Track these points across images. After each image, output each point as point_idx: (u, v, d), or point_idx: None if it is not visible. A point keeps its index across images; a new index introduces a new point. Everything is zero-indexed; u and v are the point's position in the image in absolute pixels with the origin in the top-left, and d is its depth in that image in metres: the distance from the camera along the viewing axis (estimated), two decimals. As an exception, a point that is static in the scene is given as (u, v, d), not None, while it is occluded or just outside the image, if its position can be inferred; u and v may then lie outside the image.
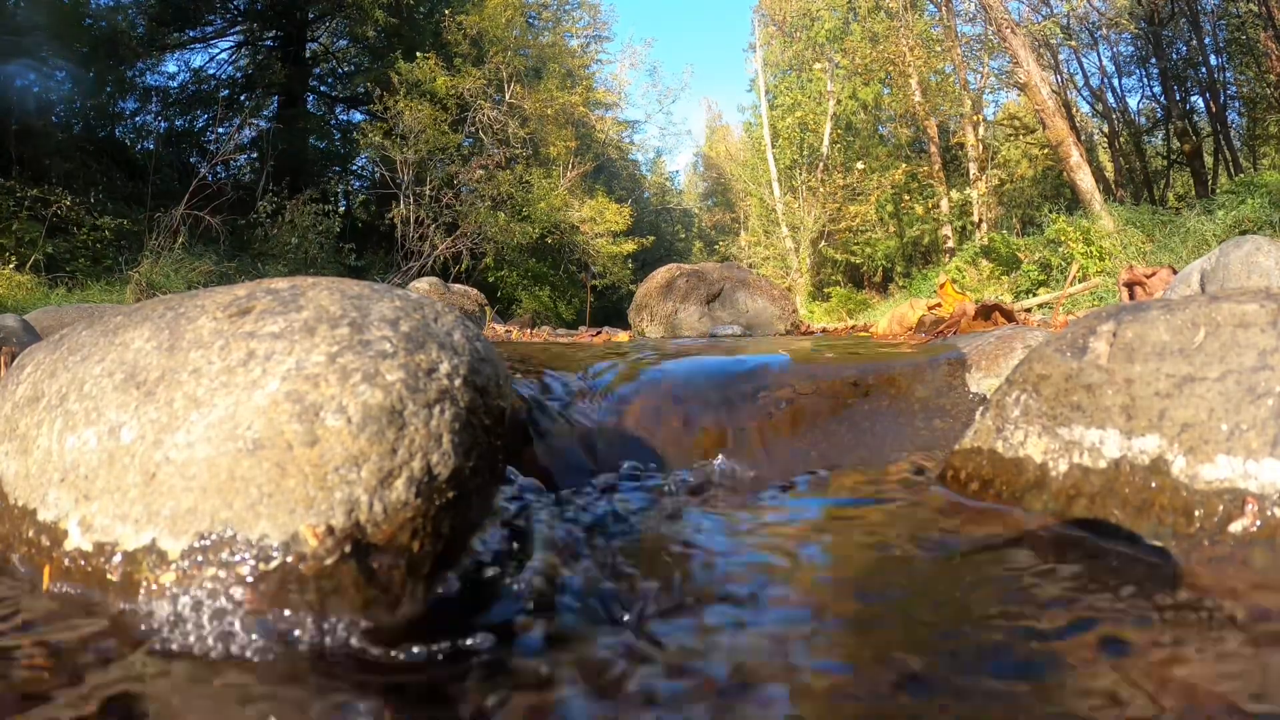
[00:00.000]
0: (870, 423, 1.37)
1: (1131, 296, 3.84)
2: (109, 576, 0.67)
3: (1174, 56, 14.92)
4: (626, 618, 0.67)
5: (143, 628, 0.63)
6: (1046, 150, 14.47)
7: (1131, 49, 15.92)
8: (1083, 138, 15.13)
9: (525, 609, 0.69)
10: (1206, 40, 14.29)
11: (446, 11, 15.12)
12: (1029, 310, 4.52)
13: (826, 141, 17.60)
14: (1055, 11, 14.99)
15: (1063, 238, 9.82)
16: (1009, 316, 2.34)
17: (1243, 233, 6.97)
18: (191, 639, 0.62)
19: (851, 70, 17.08)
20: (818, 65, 17.69)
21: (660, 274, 4.31)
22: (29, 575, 0.72)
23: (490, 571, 0.74)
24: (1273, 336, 0.82)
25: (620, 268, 16.17)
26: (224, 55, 15.29)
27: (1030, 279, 10.26)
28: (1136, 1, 13.75)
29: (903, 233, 16.51)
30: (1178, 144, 15.26)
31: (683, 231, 30.23)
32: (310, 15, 15.21)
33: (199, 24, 14.25)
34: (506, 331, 4.37)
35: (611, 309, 15.26)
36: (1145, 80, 16.34)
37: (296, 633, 0.62)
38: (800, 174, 17.84)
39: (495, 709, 0.54)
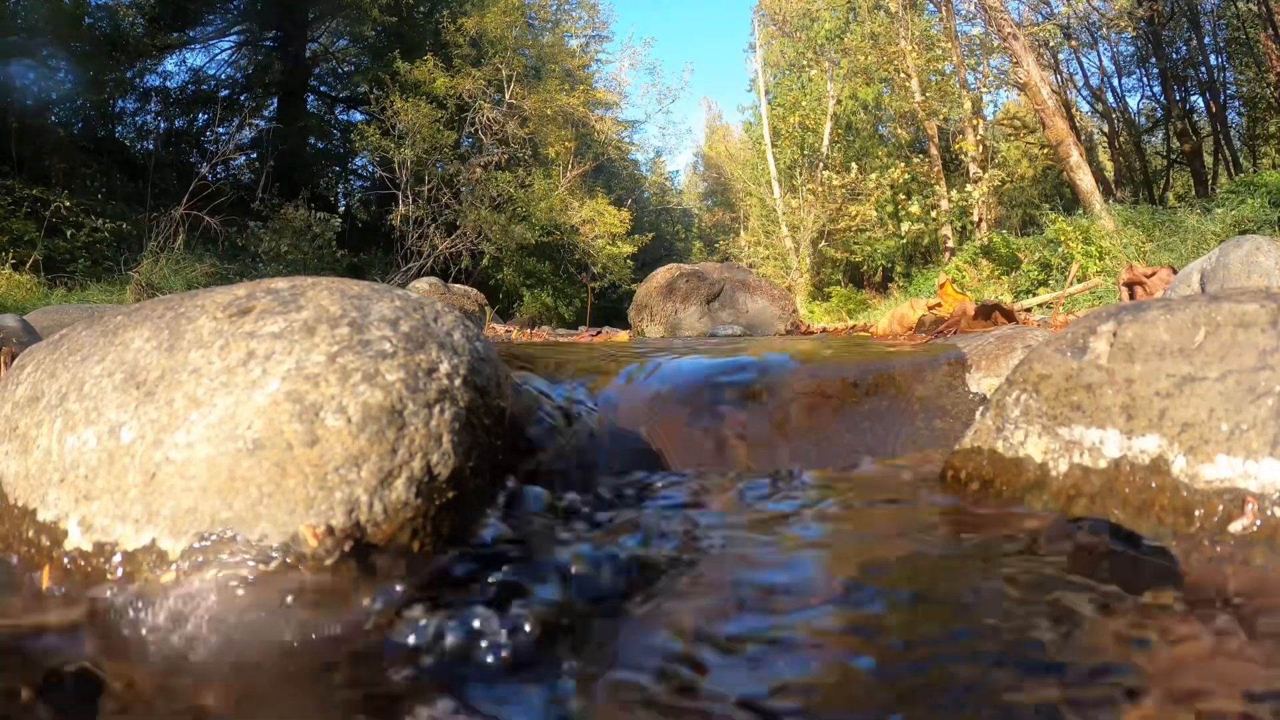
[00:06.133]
0: (870, 422, 1.37)
1: (1131, 296, 3.84)
2: (109, 576, 0.67)
3: (1174, 56, 14.93)
4: (621, 617, 0.67)
5: (142, 628, 0.63)
6: (1046, 150, 14.47)
7: (1131, 49, 15.95)
8: (1083, 138, 15.13)
9: (525, 608, 0.69)
10: (1206, 40, 14.30)
11: (446, 12, 15.12)
12: (1029, 310, 4.52)
13: (826, 141, 17.59)
14: (1055, 12, 15.01)
15: (1062, 238, 9.83)
16: (1009, 316, 2.34)
17: (1243, 232, 6.97)
18: (191, 639, 0.62)
19: (852, 71, 17.08)
20: (814, 70, 17.69)
21: (660, 274, 4.31)
22: (29, 575, 0.72)
23: (491, 570, 0.74)
24: (1273, 336, 0.82)
25: (620, 267, 16.17)
26: (224, 55, 15.30)
27: (1030, 279, 10.27)
28: (1136, 2, 13.75)
29: (900, 232, 16.49)
30: (1178, 144, 15.27)
31: (683, 231, 30.21)
32: (310, 15, 15.21)
33: (199, 24, 14.26)
34: (506, 332, 4.37)
35: (611, 309, 15.25)
36: (1145, 80, 16.38)
37: (296, 633, 0.62)
38: (800, 174, 17.84)
39: (494, 706, 0.54)
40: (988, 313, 2.34)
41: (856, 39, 16.87)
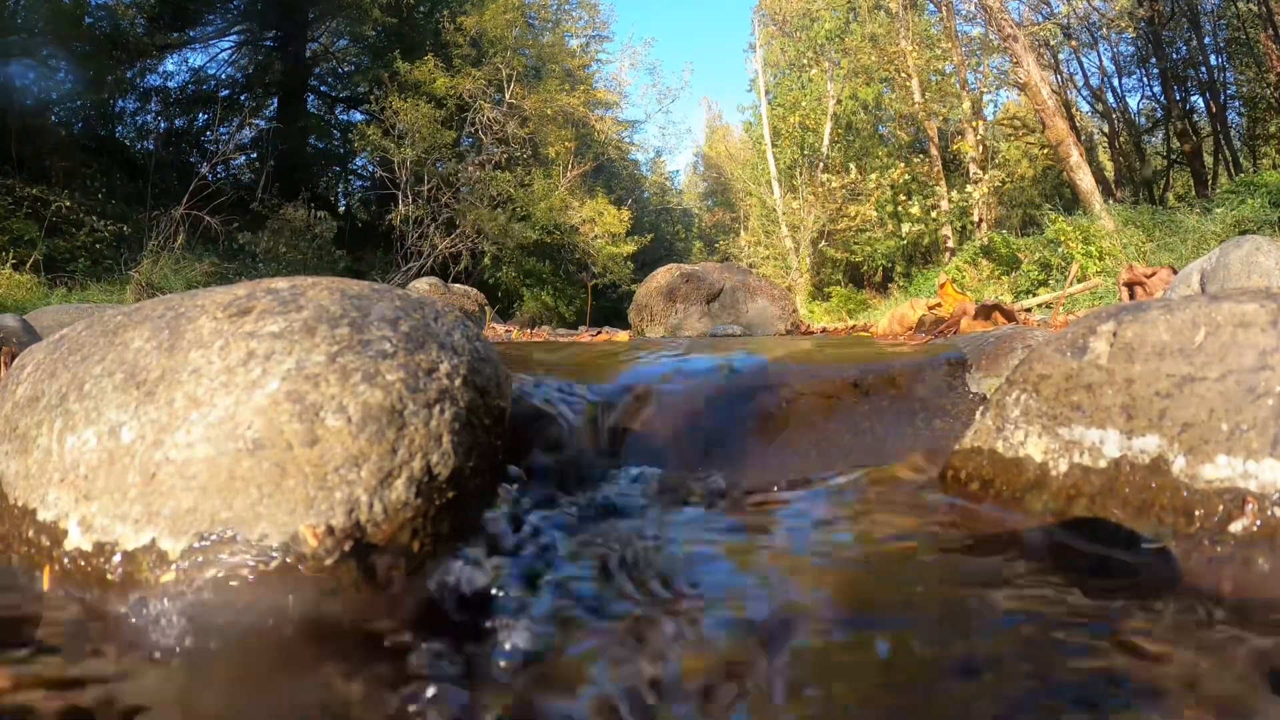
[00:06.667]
0: (870, 423, 1.37)
1: (1131, 296, 3.84)
2: (109, 576, 0.67)
3: (1174, 56, 14.92)
4: (618, 618, 0.67)
5: (142, 628, 0.63)
6: (1046, 150, 14.46)
7: (1131, 49, 15.93)
8: (1083, 138, 15.13)
9: (523, 608, 0.69)
10: (1206, 40, 14.29)
11: (446, 12, 15.12)
12: (1029, 310, 4.52)
13: (826, 141, 17.59)
14: (1055, 12, 15.00)
15: (1062, 238, 9.83)
16: (1009, 316, 2.34)
17: (1243, 232, 6.97)
18: (191, 639, 0.62)
19: (852, 71, 17.09)
20: (814, 70, 17.70)
21: (660, 274, 4.30)
22: (29, 575, 0.72)
23: (490, 570, 0.74)
24: (1273, 336, 0.82)
25: (620, 267, 16.17)
26: (224, 55, 15.29)
27: (1030, 279, 10.26)
28: (1137, 2, 13.75)
29: (900, 232, 16.47)
30: (1178, 144, 15.26)
31: (683, 231, 30.19)
32: (310, 15, 15.20)
33: (199, 24, 14.25)
34: (506, 331, 4.37)
35: (611, 309, 15.25)
36: (1145, 80, 16.35)
37: (297, 632, 0.62)
38: (800, 174, 17.84)
39: (491, 706, 0.54)
40: (988, 313, 2.34)
41: (857, 39, 16.87)
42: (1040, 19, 14.79)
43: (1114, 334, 0.91)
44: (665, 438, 1.27)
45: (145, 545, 0.66)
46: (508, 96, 14.94)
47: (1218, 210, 9.12)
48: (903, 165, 16.44)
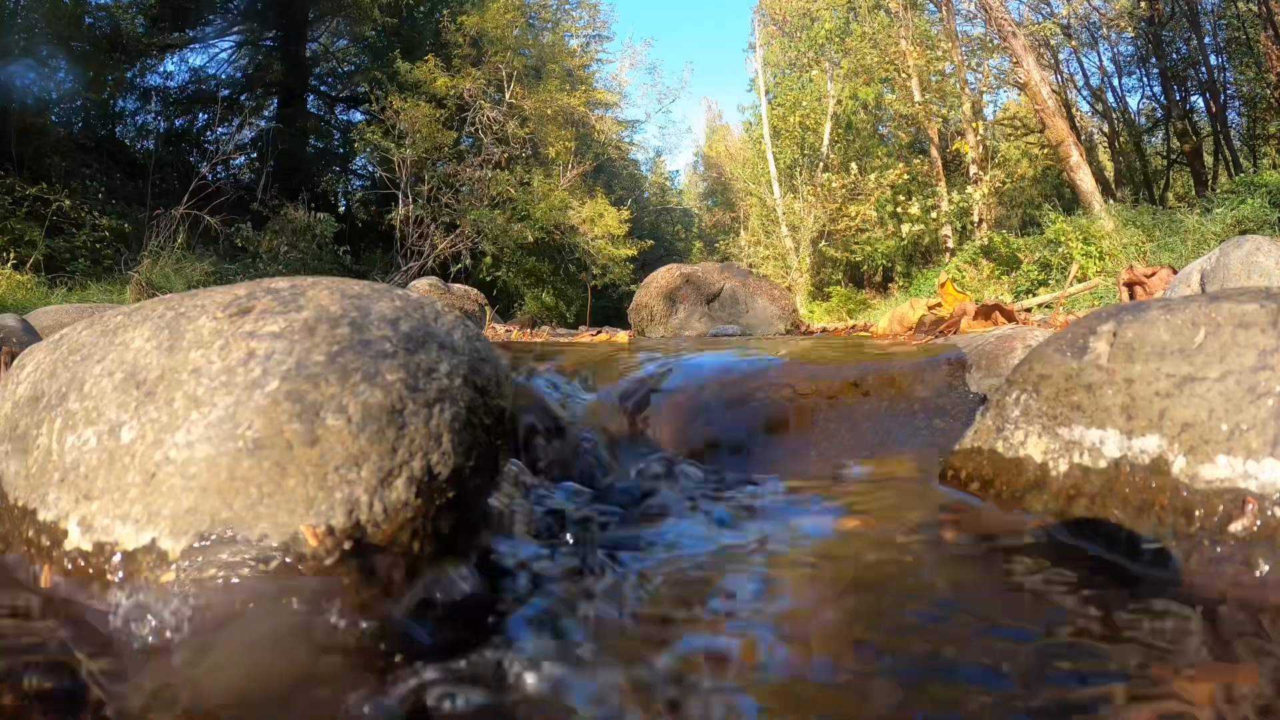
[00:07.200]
0: (870, 422, 1.37)
1: (1131, 296, 3.84)
2: (109, 576, 0.67)
3: (1174, 56, 14.92)
4: (618, 619, 0.67)
5: (143, 628, 0.63)
6: (1046, 150, 14.47)
7: (1131, 49, 15.93)
8: (1083, 138, 15.13)
9: (522, 609, 0.69)
10: (1206, 40, 14.29)
11: (446, 12, 15.13)
12: (1029, 310, 4.52)
13: (826, 141, 17.60)
14: (1055, 11, 15.01)
15: (1062, 238, 9.84)
16: (1009, 316, 2.34)
17: (1243, 232, 6.96)
18: (191, 639, 0.62)
19: (852, 71, 17.10)
20: (814, 70, 17.72)
21: (660, 275, 4.31)
22: (29, 575, 0.72)
23: (490, 570, 0.74)
24: (1273, 336, 0.82)
25: (620, 268, 16.18)
26: (224, 55, 15.30)
27: (1030, 279, 10.27)
28: (1136, 2, 13.75)
29: (900, 233, 16.45)
30: (1178, 144, 15.27)
31: (683, 231, 30.17)
32: (310, 15, 15.20)
33: (199, 24, 14.25)
34: (506, 331, 4.37)
35: (612, 309, 15.24)
36: (1145, 80, 16.35)
37: (296, 633, 0.62)
38: (800, 174, 17.85)
39: (490, 707, 0.54)
40: (988, 313, 2.34)
41: (857, 39, 16.88)
42: (1040, 19, 14.80)
43: (1114, 334, 0.91)
44: (663, 437, 1.27)
45: (145, 545, 0.66)
46: (508, 96, 14.94)
47: (1218, 210, 9.14)
48: (902, 165, 16.44)
